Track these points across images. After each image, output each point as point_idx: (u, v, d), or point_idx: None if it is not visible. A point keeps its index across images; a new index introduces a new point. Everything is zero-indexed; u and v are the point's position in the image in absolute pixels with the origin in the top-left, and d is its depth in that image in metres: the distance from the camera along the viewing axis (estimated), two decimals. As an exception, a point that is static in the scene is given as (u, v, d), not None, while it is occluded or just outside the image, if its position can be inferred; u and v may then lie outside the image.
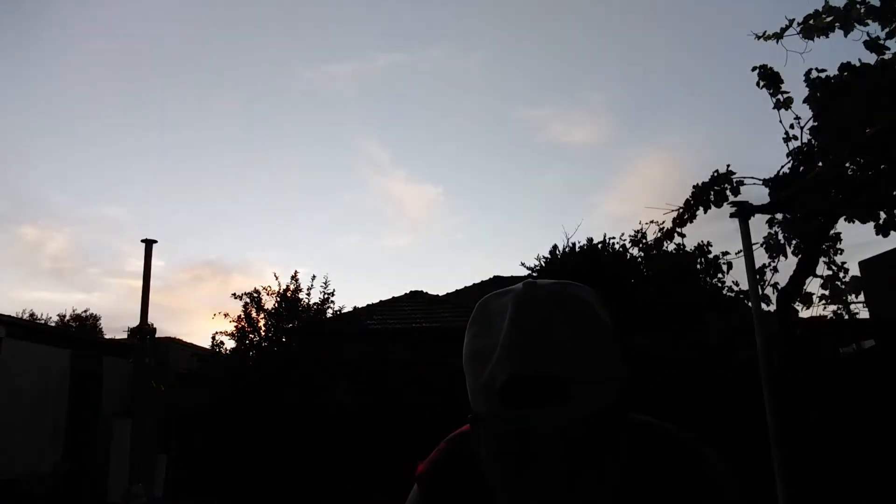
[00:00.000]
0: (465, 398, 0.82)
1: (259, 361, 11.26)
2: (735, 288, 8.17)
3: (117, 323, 58.96)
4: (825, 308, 5.70)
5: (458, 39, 31.78)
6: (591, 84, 30.88)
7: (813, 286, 5.44)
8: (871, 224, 4.74)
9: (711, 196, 5.31)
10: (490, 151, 32.58)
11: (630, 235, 11.39)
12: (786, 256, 5.40)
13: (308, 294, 11.89)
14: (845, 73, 4.72)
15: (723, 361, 9.01)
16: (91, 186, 31.53)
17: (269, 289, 11.84)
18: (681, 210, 5.51)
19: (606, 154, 32.17)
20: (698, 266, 9.83)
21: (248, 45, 30.31)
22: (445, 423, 1.33)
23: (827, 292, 5.44)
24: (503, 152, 32.66)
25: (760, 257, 5.24)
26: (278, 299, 11.78)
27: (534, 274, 11.61)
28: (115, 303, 43.64)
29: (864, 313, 11.37)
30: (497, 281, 17.76)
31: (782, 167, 5.16)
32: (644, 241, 10.95)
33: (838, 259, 5.47)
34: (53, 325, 24.18)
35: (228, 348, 11.62)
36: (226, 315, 11.68)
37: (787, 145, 5.16)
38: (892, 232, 4.69)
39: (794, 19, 4.67)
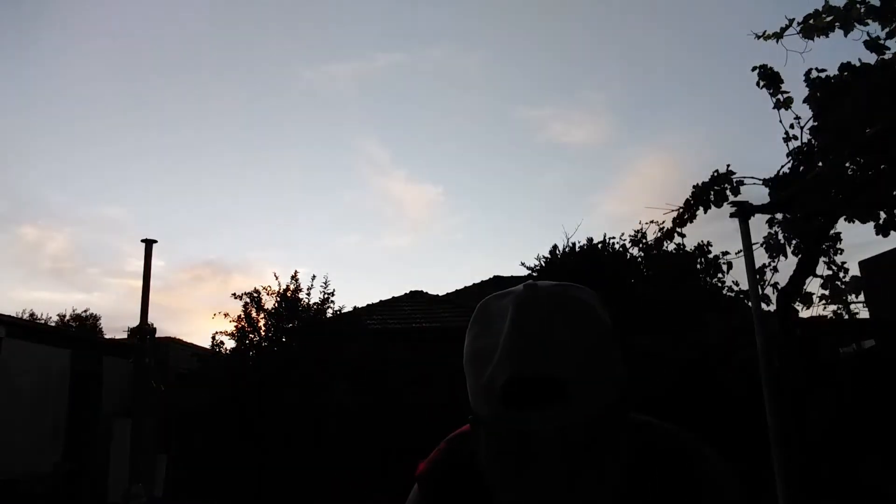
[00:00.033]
0: (465, 398, 0.82)
1: (259, 361, 11.26)
2: (735, 288, 8.18)
3: (117, 323, 59.02)
4: (825, 308, 5.70)
5: (458, 39, 31.82)
6: (591, 84, 30.93)
7: (813, 286, 5.44)
8: (871, 224, 4.74)
9: (711, 196, 5.31)
10: (490, 151, 32.63)
11: (630, 235, 11.42)
12: (786, 256, 5.40)
13: (308, 294, 11.91)
14: (845, 73, 4.72)
15: (723, 361, 9.01)
16: (91, 186, 31.58)
17: (269, 289, 11.86)
18: (681, 210, 5.51)
19: (606, 154, 32.21)
20: (698, 266, 9.84)
21: (248, 45, 30.34)
22: (445, 423, 1.33)
23: (827, 292, 5.44)
24: (503, 152, 32.70)
25: (760, 257, 5.24)
26: (278, 299, 11.78)
27: (534, 274, 11.61)
28: (115, 303, 43.69)
29: (864, 313, 11.38)
30: (497, 281, 17.76)
31: (782, 167, 5.16)
32: (644, 241, 10.96)
33: (838, 259, 5.47)
34: (53, 325, 24.19)
35: (228, 348, 11.63)
36: (226, 315, 11.70)
37: (787, 145, 5.17)
38: (892, 232, 4.69)
39: (794, 19, 4.67)
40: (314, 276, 12.55)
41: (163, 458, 10.54)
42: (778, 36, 4.78)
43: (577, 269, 10.88)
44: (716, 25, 27.86)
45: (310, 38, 31.07)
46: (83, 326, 25.55)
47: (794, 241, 5.36)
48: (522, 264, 11.94)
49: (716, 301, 9.66)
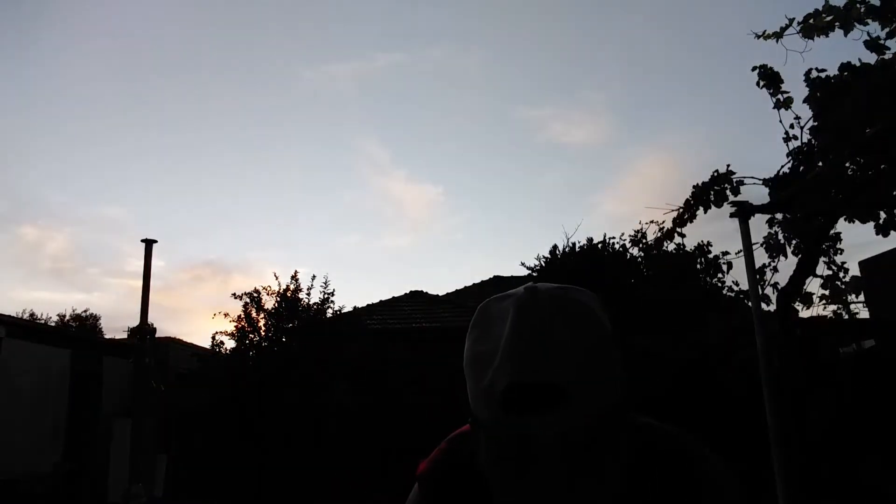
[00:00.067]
0: (465, 398, 0.82)
1: (259, 361, 11.26)
2: (735, 288, 8.20)
3: (117, 323, 59.00)
4: (825, 308, 5.71)
5: (458, 39, 31.79)
6: (591, 84, 30.92)
7: (813, 286, 5.45)
8: (871, 224, 4.74)
9: (711, 196, 5.31)
10: (490, 151, 32.62)
11: (630, 235, 11.41)
12: (786, 256, 5.40)
13: (308, 294, 11.90)
14: (845, 73, 4.72)
15: (723, 361, 9.01)
16: (91, 186, 31.57)
17: (269, 289, 11.86)
18: (681, 210, 5.52)
19: (606, 154, 32.20)
20: (698, 266, 9.84)
21: (248, 45, 30.35)
22: (445, 423, 1.33)
23: (827, 292, 5.45)
24: (503, 152, 32.70)
25: (760, 257, 5.25)
26: (278, 299, 11.78)
27: (534, 274, 11.60)
28: (115, 303, 43.69)
29: (864, 313, 11.38)
30: (497, 281, 17.76)
31: (782, 167, 5.16)
32: (644, 241, 10.96)
33: (838, 259, 5.48)
34: (53, 325, 24.19)
35: (228, 348, 11.62)
36: (226, 315, 11.69)
37: (787, 145, 5.17)
38: (892, 232, 4.69)
39: (794, 18, 4.67)
40: (314, 276, 12.57)
41: (163, 458, 10.54)
42: (778, 35, 4.78)
43: (577, 269, 10.87)
44: (716, 25, 27.88)
45: (310, 38, 31.11)
46: (83, 326, 25.55)
47: (794, 241, 5.37)
48: (522, 264, 11.95)
49: (716, 301, 9.66)
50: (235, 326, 11.57)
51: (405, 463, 2.07)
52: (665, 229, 5.84)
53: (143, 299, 7.27)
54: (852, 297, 5.53)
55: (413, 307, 14.63)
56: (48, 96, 27.75)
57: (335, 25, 29.87)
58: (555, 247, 11.90)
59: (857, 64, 4.65)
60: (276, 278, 12.04)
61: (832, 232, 5.35)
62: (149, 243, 7.44)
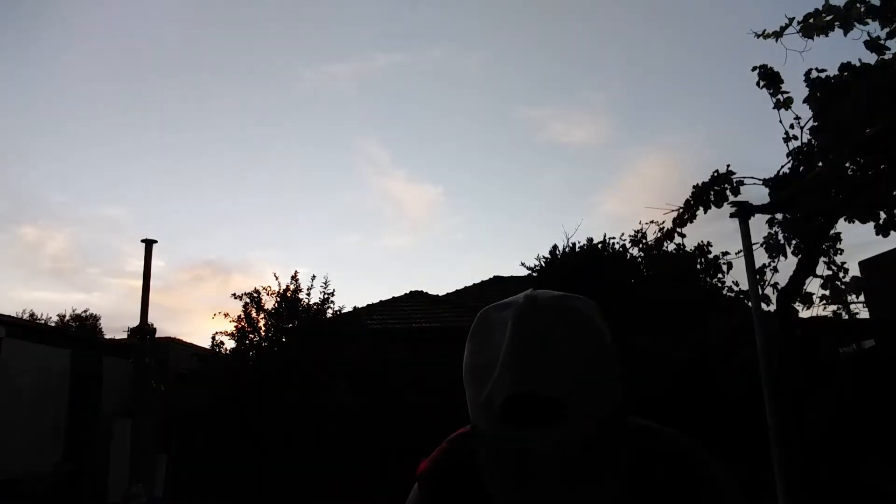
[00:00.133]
0: (464, 398, 0.82)
1: (259, 361, 11.26)
2: (735, 288, 8.18)
3: (117, 323, 58.91)
4: (825, 308, 5.70)
5: (458, 39, 31.79)
6: (591, 84, 30.90)
7: (813, 286, 5.45)
8: (871, 224, 4.74)
9: (711, 196, 5.31)
10: (490, 151, 32.61)
11: (630, 235, 11.40)
12: (786, 256, 5.40)
13: (308, 294, 11.90)
14: (845, 73, 4.72)
15: (723, 361, 9.00)
16: (91, 186, 31.53)
17: (269, 289, 11.86)
18: (681, 210, 5.51)
19: (606, 154, 32.19)
20: (698, 266, 9.83)
21: (248, 45, 30.33)
22: (445, 423, 1.33)
23: (827, 292, 5.44)
24: (503, 152, 32.68)
25: (760, 257, 5.25)
26: (278, 299, 11.78)
27: (534, 274, 11.60)
28: (115, 303, 43.61)
29: (864, 313, 11.38)
30: (497, 281, 17.77)
31: (782, 167, 5.17)
32: (644, 241, 10.95)
33: (838, 259, 5.48)
34: (53, 325, 24.17)
35: (228, 348, 11.62)
36: (226, 315, 11.69)
37: (787, 145, 5.17)
38: (892, 232, 4.69)
39: (794, 18, 4.67)
40: (314, 277, 12.55)
41: (163, 458, 10.54)
42: (778, 35, 4.77)
43: (577, 269, 10.87)
44: (716, 25, 27.87)
45: (310, 38, 31.08)
46: (83, 326, 25.53)
47: (794, 241, 5.37)
48: (522, 264, 11.94)
49: (716, 301, 9.65)
50: (235, 326, 11.58)
51: (405, 463, 2.07)
52: (665, 229, 5.85)
53: (143, 299, 7.27)
54: (852, 297, 5.53)
55: (413, 307, 14.63)
56: (48, 96, 27.76)
57: (335, 25, 29.87)
58: (555, 247, 11.90)
59: (857, 64, 4.65)
60: (276, 278, 12.07)
61: (832, 232, 5.35)
62: (149, 243, 7.44)
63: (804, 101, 4.98)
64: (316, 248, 32.33)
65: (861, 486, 8.11)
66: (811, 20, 4.54)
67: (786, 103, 5.16)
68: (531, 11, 30.85)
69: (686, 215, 5.47)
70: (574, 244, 11.79)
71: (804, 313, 5.64)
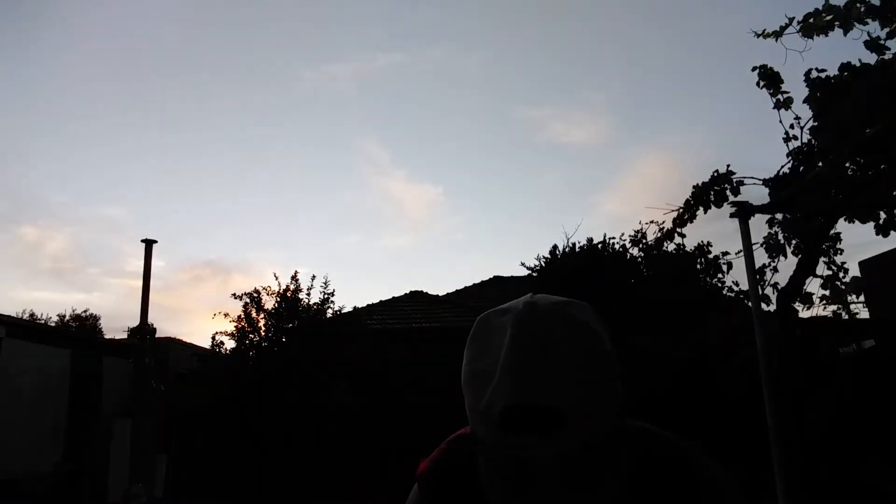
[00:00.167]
0: (464, 398, 0.82)
1: (259, 361, 11.26)
2: (735, 288, 8.18)
3: (117, 323, 58.89)
4: (825, 308, 5.70)
5: (458, 39, 31.78)
6: (591, 84, 30.88)
7: (813, 286, 5.45)
8: (871, 224, 4.74)
9: (711, 196, 5.31)
10: (490, 151, 32.59)
11: (630, 235, 11.39)
12: (786, 256, 5.40)
13: (308, 294, 11.91)
14: (845, 73, 4.72)
15: (723, 361, 9.00)
16: (91, 186, 31.51)
17: (269, 289, 11.86)
18: (681, 210, 5.51)
19: (606, 154, 32.17)
20: (698, 266, 9.83)
21: (248, 45, 30.33)
22: (445, 423, 1.33)
23: (827, 292, 5.45)
24: (503, 152, 32.67)
25: (760, 257, 5.25)
26: (278, 299, 11.78)
27: (534, 274, 11.59)
28: (115, 303, 43.61)
29: (864, 313, 11.38)
30: (497, 281, 17.78)
31: (782, 167, 5.17)
32: (644, 241, 10.95)
33: (838, 259, 5.48)
34: (53, 325, 24.17)
35: (228, 348, 11.62)
36: (226, 315, 11.69)
37: (787, 145, 5.17)
38: (892, 232, 4.69)
39: (794, 17, 4.67)
40: (314, 277, 12.55)
41: (163, 458, 10.54)
42: (778, 34, 4.77)
43: (577, 269, 10.87)
44: (716, 25, 27.84)
45: (310, 38, 31.09)
46: (83, 326, 25.53)
47: (794, 241, 5.37)
48: (522, 264, 11.91)
49: (716, 301, 9.64)
50: (235, 326, 11.58)
51: (405, 463, 2.07)
52: (665, 229, 5.85)
53: (143, 299, 7.27)
54: (852, 297, 5.53)
55: (413, 307, 14.63)
56: (48, 96, 27.75)
57: (335, 25, 29.85)
58: (555, 247, 11.89)
59: (857, 64, 4.65)
60: (276, 278, 12.07)
61: (832, 232, 5.35)
62: (149, 243, 7.44)
63: (804, 101, 4.98)
64: (316, 248, 32.37)
65: (861, 486, 8.11)
66: (811, 20, 4.54)
67: (786, 103, 5.16)
68: (531, 11, 30.88)
69: (686, 215, 5.47)
70: (574, 244, 11.79)
71: (804, 313, 5.65)
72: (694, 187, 5.41)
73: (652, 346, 8.86)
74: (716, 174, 5.32)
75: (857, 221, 4.80)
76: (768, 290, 5.46)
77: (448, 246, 34.24)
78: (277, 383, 10.70)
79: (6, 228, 34.31)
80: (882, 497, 8.04)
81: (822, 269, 5.38)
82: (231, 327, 11.59)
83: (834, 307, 5.80)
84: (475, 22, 31.32)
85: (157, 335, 9.94)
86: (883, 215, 4.71)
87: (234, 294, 12.22)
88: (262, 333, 11.60)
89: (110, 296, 40.58)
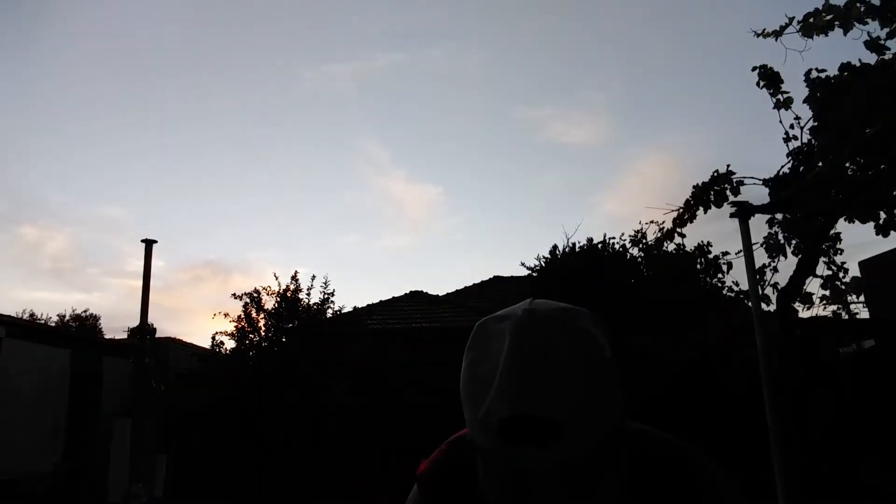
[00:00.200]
0: (462, 405, 0.81)
1: (259, 361, 11.26)
2: (735, 288, 8.18)
3: (117, 323, 58.89)
4: (825, 308, 5.71)
5: (458, 39, 31.76)
6: (591, 84, 30.88)
7: (813, 286, 5.45)
8: (871, 224, 4.74)
9: (711, 196, 5.31)
10: (490, 151, 32.60)
11: (630, 235, 11.39)
12: (786, 256, 5.40)
13: (308, 294, 11.90)
14: (845, 73, 4.72)
15: (723, 361, 9.00)
16: (91, 186, 31.52)
17: (269, 289, 11.85)
18: (681, 210, 5.51)
19: (606, 154, 32.17)
20: (698, 266, 9.82)
21: (248, 45, 30.34)
22: (445, 423, 1.33)
23: (827, 292, 5.45)
24: (503, 152, 32.67)
25: (760, 257, 5.25)
26: (278, 299, 11.78)
27: (534, 274, 11.59)
28: (115, 303, 43.59)
29: (864, 313, 11.37)
30: (497, 281, 17.77)
31: (782, 167, 5.17)
32: (644, 241, 10.95)
33: (838, 259, 5.49)
34: (53, 325, 24.16)
35: (228, 348, 11.62)
36: (226, 315, 11.69)
37: (787, 145, 5.18)
38: (892, 232, 4.69)
39: (794, 17, 4.67)
40: (314, 277, 12.54)
41: (163, 458, 10.54)
42: (777, 34, 4.77)
43: (577, 269, 10.87)
44: (716, 25, 27.84)
45: (310, 38, 31.12)
46: (83, 326, 25.52)
47: (794, 241, 5.37)
48: (522, 264, 11.92)
49: (716, 301, 9.64)
50: (235, 326, 11.58)
51: (405, 463, 2.07)
52: (665, 229, 5.85)
53: (143, 299, 7.27)
54: (852, 297, 5.53)
55: (413, 307, 14.62)
56: (48, 96, 27.76)
57: (335, 25, 29.88)
58: (555, 247, 11.89)
59: (857, 64, 4.65)
60: (276, 278, 12.06)
61: (832, 232, 5.35)
62: (149, 243, 7.44)
63: (804, 101, 4.98)
64: (316, 248, 32.36)
65: (861, 486, 8.11)
66: (811, 20, 4.54)
67: (786, 103, 5.16)
68: (531, 11, 30.87)
69: (686, 215, 5.47)
70: (574, 244, 11.79)
71: (804, 313, 5.65)
72: (694, 187, 5.41)
73: (652, 347, 8.86)
74: (716, 174, 5.32)
75: (857, 221, 4.80)
76: (768, 290, 5.46)
77: (448, 246, 34.26)
78: (277, 383, 10.70)
79: (6, 228, 34.33)
80: (882, 497, 8.04)
81: (822, 269, 5.39)
82: (231, 327, 11.61)
83: (834, 307, 5.80)
84: (475, 22, 31.35)
85: (157, 335, 9.91)
86: (883, 215, 4.71)
87: (234, 294, 12.24)
88: (262, 333, 11.60)
89: (110, 296, 40.60)
